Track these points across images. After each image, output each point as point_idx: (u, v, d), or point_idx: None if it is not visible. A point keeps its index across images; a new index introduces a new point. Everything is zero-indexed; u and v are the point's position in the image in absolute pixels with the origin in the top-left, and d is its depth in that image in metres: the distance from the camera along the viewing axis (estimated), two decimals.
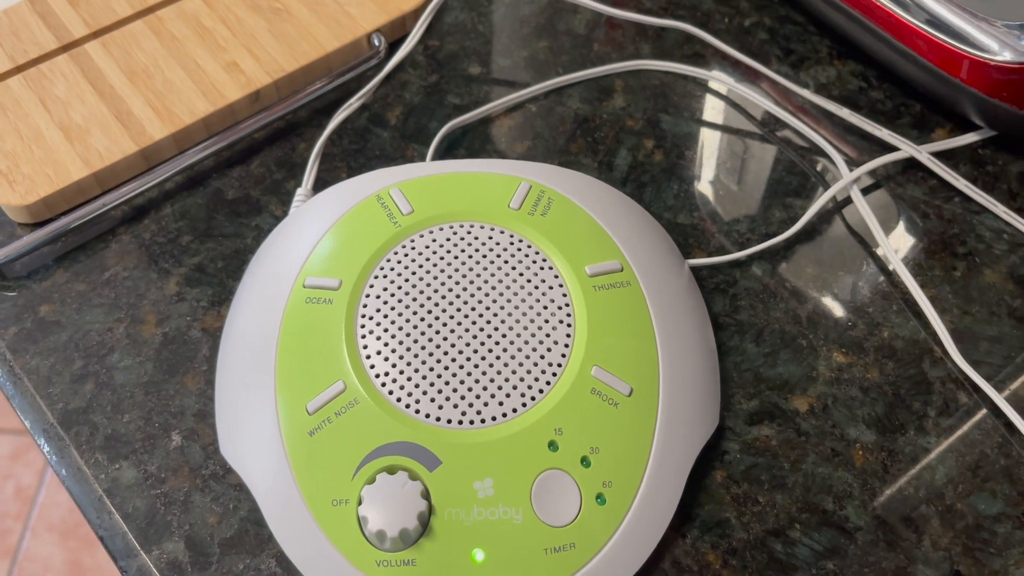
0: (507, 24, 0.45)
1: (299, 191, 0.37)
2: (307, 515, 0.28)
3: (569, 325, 0.31)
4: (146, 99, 0.39)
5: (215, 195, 0.39)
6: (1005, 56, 0.38)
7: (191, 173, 0.39)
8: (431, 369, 0.30)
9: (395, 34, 0.43)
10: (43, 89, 0.39)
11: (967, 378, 0.35)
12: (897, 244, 0.38)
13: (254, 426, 0.30)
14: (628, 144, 0.41)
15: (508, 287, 0.31)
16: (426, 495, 0.28)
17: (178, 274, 0.36)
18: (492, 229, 0.32)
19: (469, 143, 0.41)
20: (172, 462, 0.32)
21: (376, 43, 0.42)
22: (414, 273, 0.31)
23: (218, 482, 0.32)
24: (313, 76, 0.41)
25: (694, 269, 0.37)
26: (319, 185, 0.38)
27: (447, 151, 0.40)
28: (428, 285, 0.31)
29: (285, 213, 0.38)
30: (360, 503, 0.28)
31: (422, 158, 0.40)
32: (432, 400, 0.29)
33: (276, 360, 0.30)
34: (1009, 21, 0.38)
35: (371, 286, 0.31)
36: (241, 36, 0.41)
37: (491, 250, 0.32)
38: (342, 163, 0.40)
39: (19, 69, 0.40)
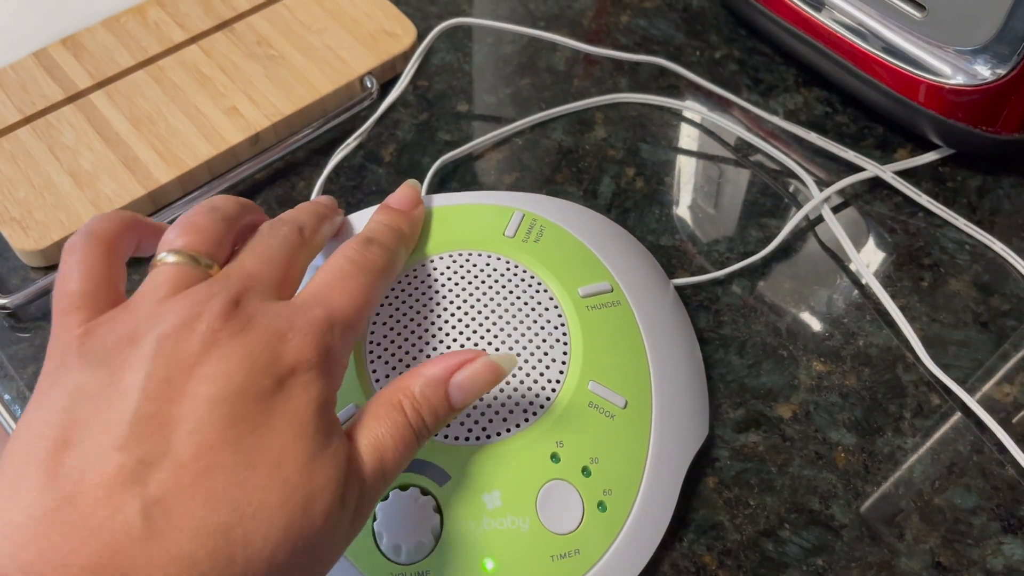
0: (491, 63, 0.47)
1: None
2: None
3: (565, 344, 0.33)
4: (151, 144, 0.41)
5: None
6: (959, 80, 0.40)
7: None
8: None
9: (386, 76, 0.45)
10: (52, 138, 0.41)
11: (938, 381, 0.37)
12: (867, 258, 0.41)
13: None
14: (611, 173, 0.43)
15: (507, 310, 0.33)
16: (438, 509, 0.30)
17: None
18: (489, 256, 0.34)
19: (461, 176, 0.43)
20: None
21: (368, 85, 0.44)
22: (418, 300, 0.33)
23: None
24: (309, 118, 0.43)
25: (678, 288, 0.39)
26: None
27: (440, 185, 0.42)
28: (431, 311, 0.33)
29: None
30: (375, 519, 0.29)
31: None
32: None
33: None
34: (961, 47, 0.40)
35: (377, 314, 0.33)
36: (239, 82, 0.43)
37: (489, 276, 0.34)
38: (340, 199, 0.41)
39: (27, 120, 0.41)
